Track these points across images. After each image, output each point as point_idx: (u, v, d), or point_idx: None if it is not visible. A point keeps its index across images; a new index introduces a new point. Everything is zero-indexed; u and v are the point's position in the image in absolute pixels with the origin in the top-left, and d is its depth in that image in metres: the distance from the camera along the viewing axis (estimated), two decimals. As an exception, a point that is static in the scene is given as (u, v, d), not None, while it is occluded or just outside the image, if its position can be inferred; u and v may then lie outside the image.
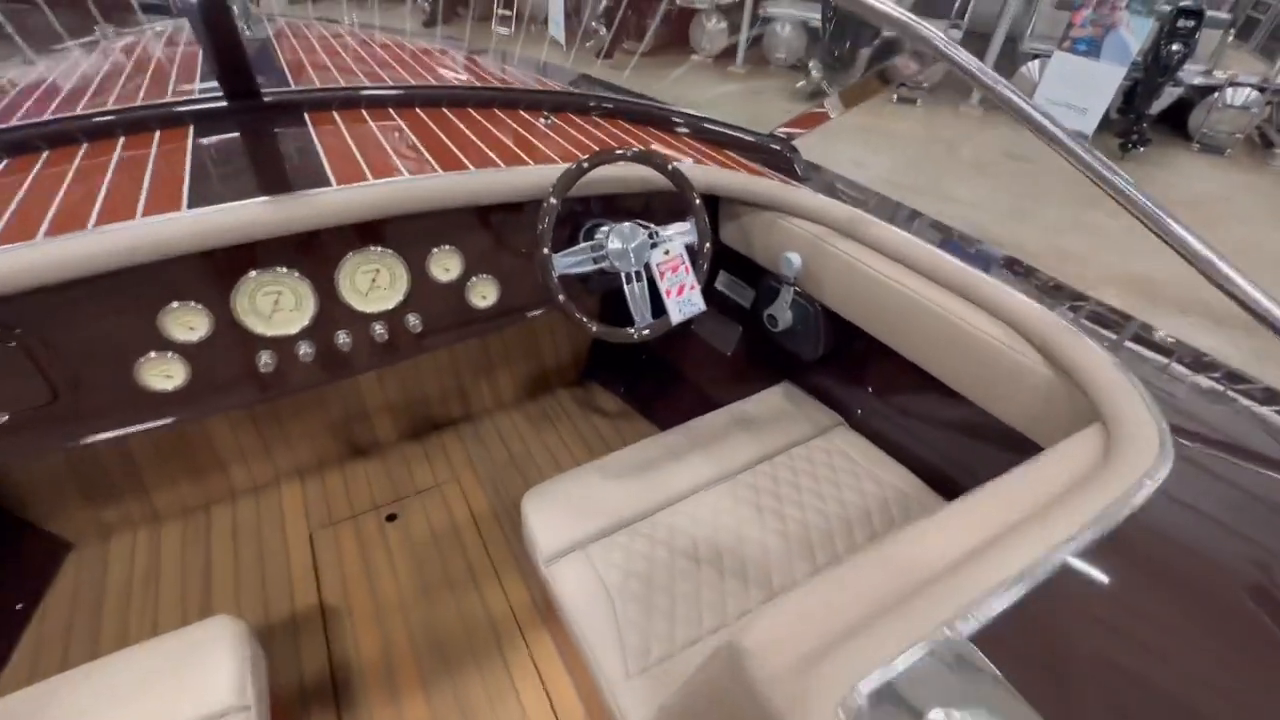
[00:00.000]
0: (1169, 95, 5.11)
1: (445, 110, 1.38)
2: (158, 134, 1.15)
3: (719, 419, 1.38)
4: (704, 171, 1.27)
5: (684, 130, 1.50)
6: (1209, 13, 4.70)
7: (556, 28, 6.48)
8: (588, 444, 1.83)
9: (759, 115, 5.45)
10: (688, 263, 1.19)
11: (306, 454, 1.70)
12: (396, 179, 1.02)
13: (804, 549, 1.13)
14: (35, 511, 1.45)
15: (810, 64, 6.01)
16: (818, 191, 1.31)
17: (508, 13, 7.26)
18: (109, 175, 0.99)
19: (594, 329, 1.11)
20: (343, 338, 1.10)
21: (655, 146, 1.38)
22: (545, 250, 1.06)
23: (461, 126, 1.30)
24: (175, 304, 0.96)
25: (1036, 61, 5.54)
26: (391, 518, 1.60)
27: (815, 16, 6.46)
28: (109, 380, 0.97)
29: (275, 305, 1.04)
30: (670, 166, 1.14)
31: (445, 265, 1.16)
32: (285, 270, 1.03)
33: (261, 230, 0.93)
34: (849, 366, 1.41)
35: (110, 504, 1.51)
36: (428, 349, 1.23)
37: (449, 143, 1.21)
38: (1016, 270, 1.15)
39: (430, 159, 1.12)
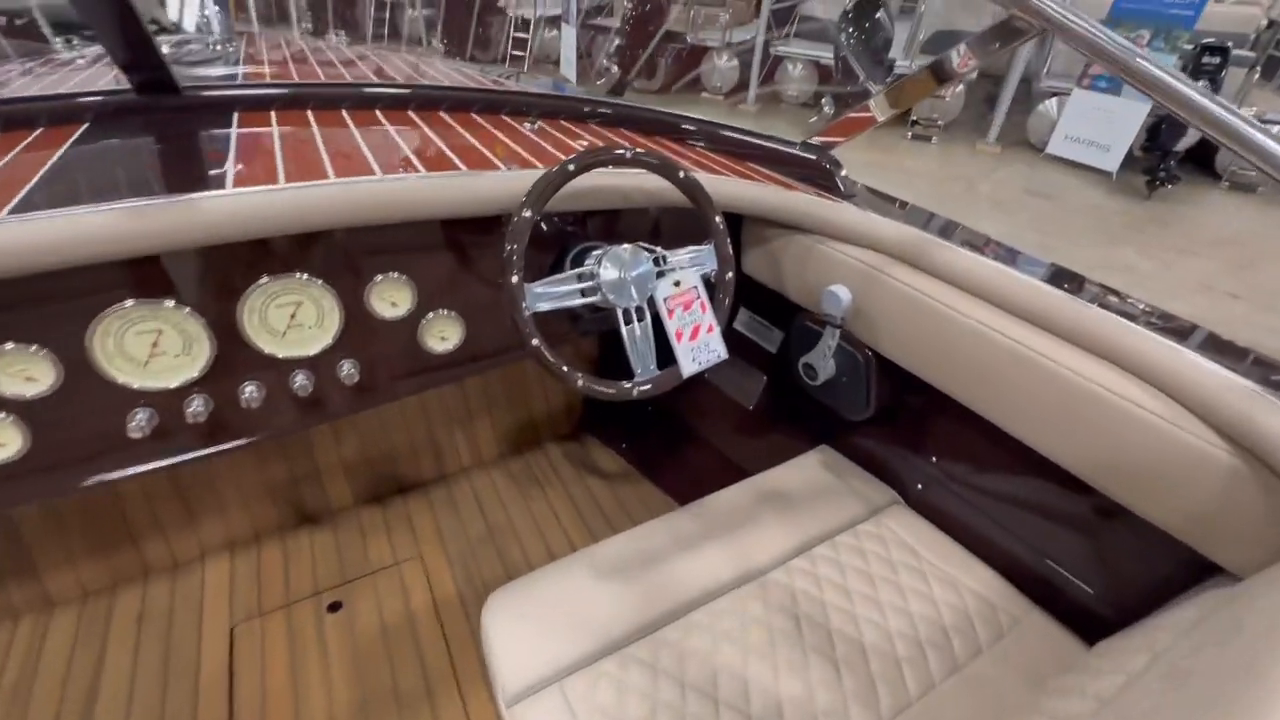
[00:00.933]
0: (1195, 133, 4.93)
1: (411, 113, 1.14)
2: (40, 131, 0.91)
3: (741, 494, 1.09)
4: (724, 184, 1.02)
5: (700, 143, 1.26)
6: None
7: (568, 66, 6.47)
8: (580, 513, 1.54)
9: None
10: (704, 298, 0.92)
11: (241, 523, 1.41)
12: (314, 183, 0.77)
13: (863, 686, 0.82)
14: None
15: (822, 100, 5.91)
16: (867, 210, 1.05)
17: (520, 53, 7.30)
18: None
19: (579, 382, 0.83)
20: (250, 391, 0.84)
21: (651, 146, 1.14)
22: (514, 278, 0.80)
23: (426, 129, 1.06)
24: (9, 346, 0.70)
25: (1055, 100, 5.41)
26: (334, 607, 1.30)
27: (826, 55, 6.41)
28: None
29: (154, 349, 0.78)
30: (682, 174, 0.89)
31: (391, 298, 0.91)
32: (170, 303, 0.77)
33: (113, 245, 0.67)
34: (906, 428, 1.12)
35: None
36: (367, 405, 0.96)
37: (404, 146, 0.96)
38: (1065, 281, 0.88)
39: (374, 163, 0.87)
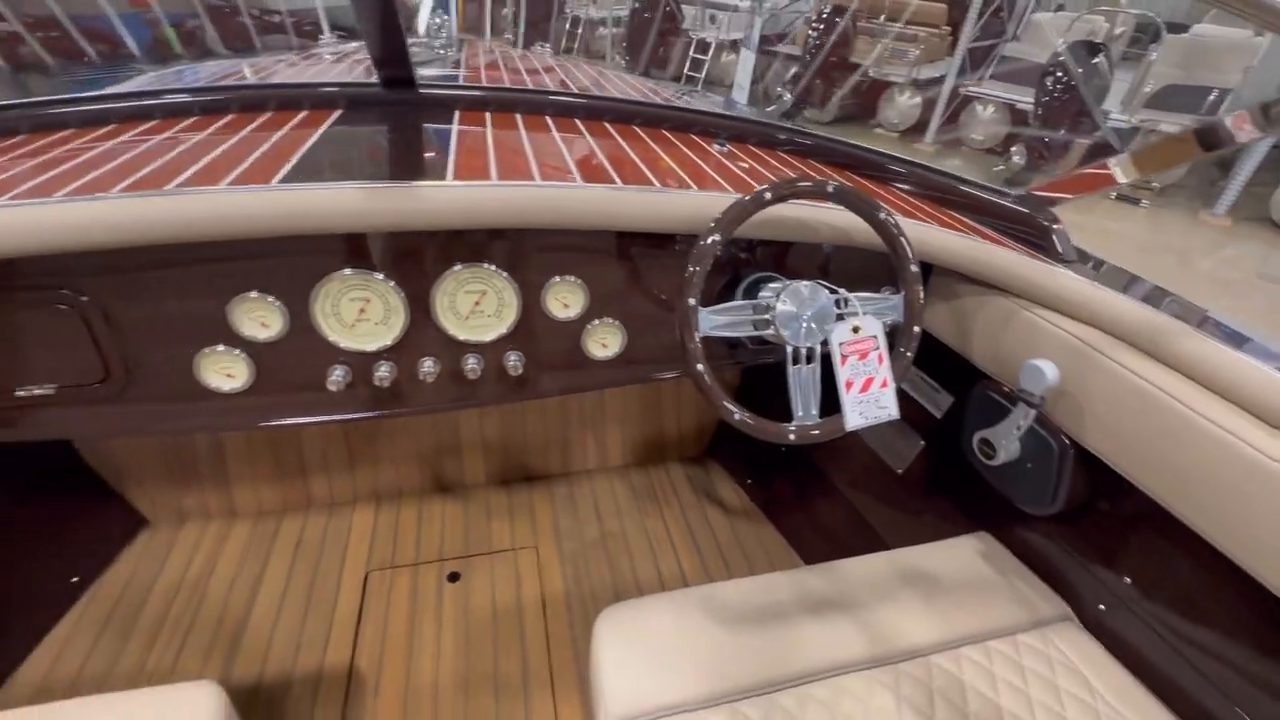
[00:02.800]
0: None
1: (607, 124, 1.18)
2: (304, 113, 1.06)
3: (880, 566, 0.99)
4: (924, 231, 0.94)
5: (902, 185, 1.18)
6: None
7: (741, 91, 6.52)
8: (695, 541, 1.50)
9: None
10: (884, 349, 0.85)
11: (389, 479, 1.54)
12: (523, 183, 0.81)
13: None
14: (125, 483, 1.41)
15: (1013, 149, 5.42)
16: (1088, 277, 0.92)
17: (695, 74, 7.49)
18: (225, 145, 0.88)
19: (735, 416, 0.80)
20: (428, 365, 0.90)
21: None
22: (691, 301, 0.78)
23: (620, 141, 1.09)
24: (254, 294, 0.81)
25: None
26: (454, 577, 1.37)
27: (1023, 99, 5.90)
28: (166, 369, 0.83)
29: (360, 314, 0.86)
30: (883, 215, 0.83)
31: (565, 299, 0.94)
32: (381, 276, 0.85)
33: (350, 219, 0.75)
34: (1095, 533, 0.96)
35: (192, 490, 1.44)
36: (524, 397, 1.00)
37: (601, 156, 1.00)
38: None
39: (575, 170, 0.90)
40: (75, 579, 1.29)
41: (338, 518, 1.49)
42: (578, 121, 1.18)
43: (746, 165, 1.07)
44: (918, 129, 6.45)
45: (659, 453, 1.71)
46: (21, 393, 0.80)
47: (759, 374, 1.00)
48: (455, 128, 1.04)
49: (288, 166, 0.80)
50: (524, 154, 0.95)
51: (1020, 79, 6.23)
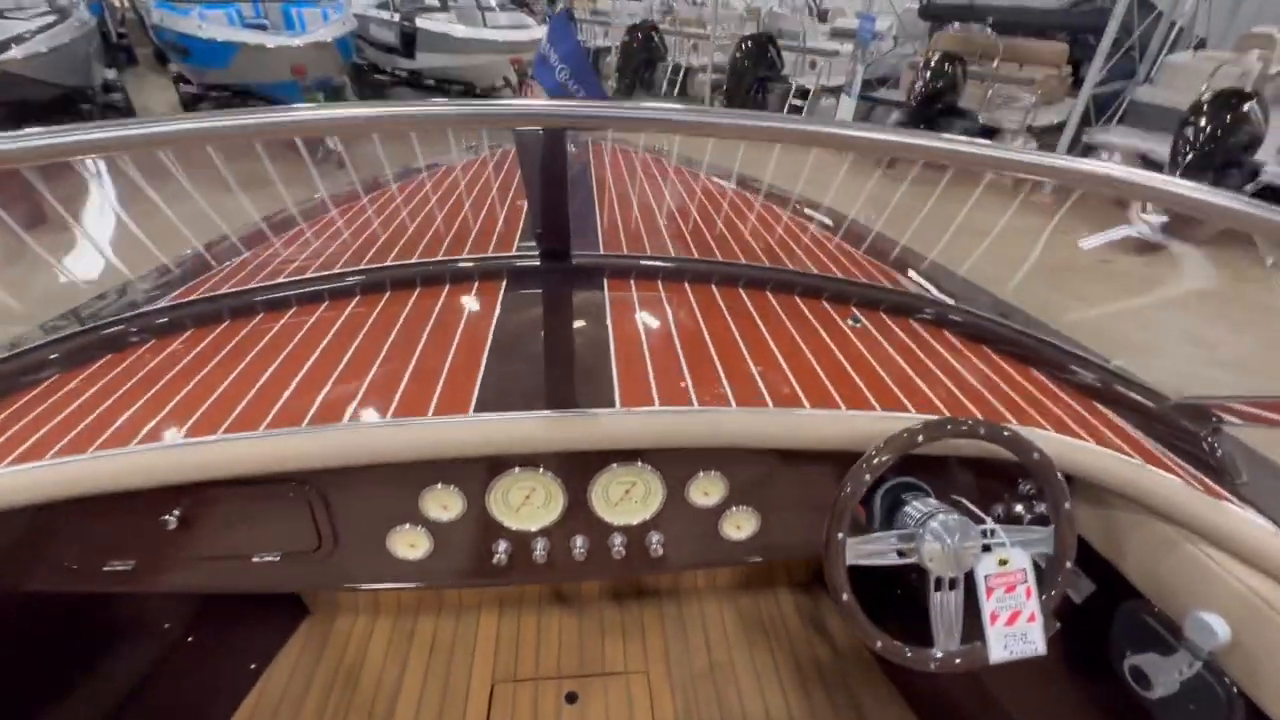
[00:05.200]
0: None
1: (741, 291, 1.25)
2: (475, 285, 1.20)
3: None
4: (1077, 452, 0.92)
5: (1045, 369, 1.15)
6: None
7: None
8: (804, 683, 1.50)
9: (1069, 260, 4.68)
10: (1032, 583, 0.85)
11: (512, 587, 1.65)
12: (683, 410, 0.89)
13: None
14: None
15: (1149, 205, 5.01)
16: (1271, 511, 0.86)
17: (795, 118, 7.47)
18: (420, 345, 1.02)
19: (879, 644, 0.83)
20: (579, 543, 0.99)
21: (980, 366, 1.08)
22: (839, 534, 0.82)
23: (756, 318, 1.15)
24: (439, 486, 0.93)
25: None
26: (571, 698, 1.45)
27: (1158, 148, 5.46)
28: (365, 541, 0.97)
29: (525, 500, 0.97)
30: (1035, 456, 0.84)
31: (706, 490, 1.00)
32: (543, 471, 0.95)
33: (539, 445, 0.86)
34: None
35: None
36: (662, 571, 1.06)
37: (745, 350, 1.05)
38: None
39: (723, 378, 0.97)
40: (253, 665, 1.48)
41: (465, 622, 1.61)
42: (714, 289, 1.25)
43: (883, 353, 1.09)
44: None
45: (767, 578, 1.73)
46: (256, 559, 0.96)
47: (883, 586, 1.02)
48: (607, 305, 1.14)
49: (476, 386, 0.92)
50: (677, 360, 1.01)
51: (1154, 125, 5.79)
